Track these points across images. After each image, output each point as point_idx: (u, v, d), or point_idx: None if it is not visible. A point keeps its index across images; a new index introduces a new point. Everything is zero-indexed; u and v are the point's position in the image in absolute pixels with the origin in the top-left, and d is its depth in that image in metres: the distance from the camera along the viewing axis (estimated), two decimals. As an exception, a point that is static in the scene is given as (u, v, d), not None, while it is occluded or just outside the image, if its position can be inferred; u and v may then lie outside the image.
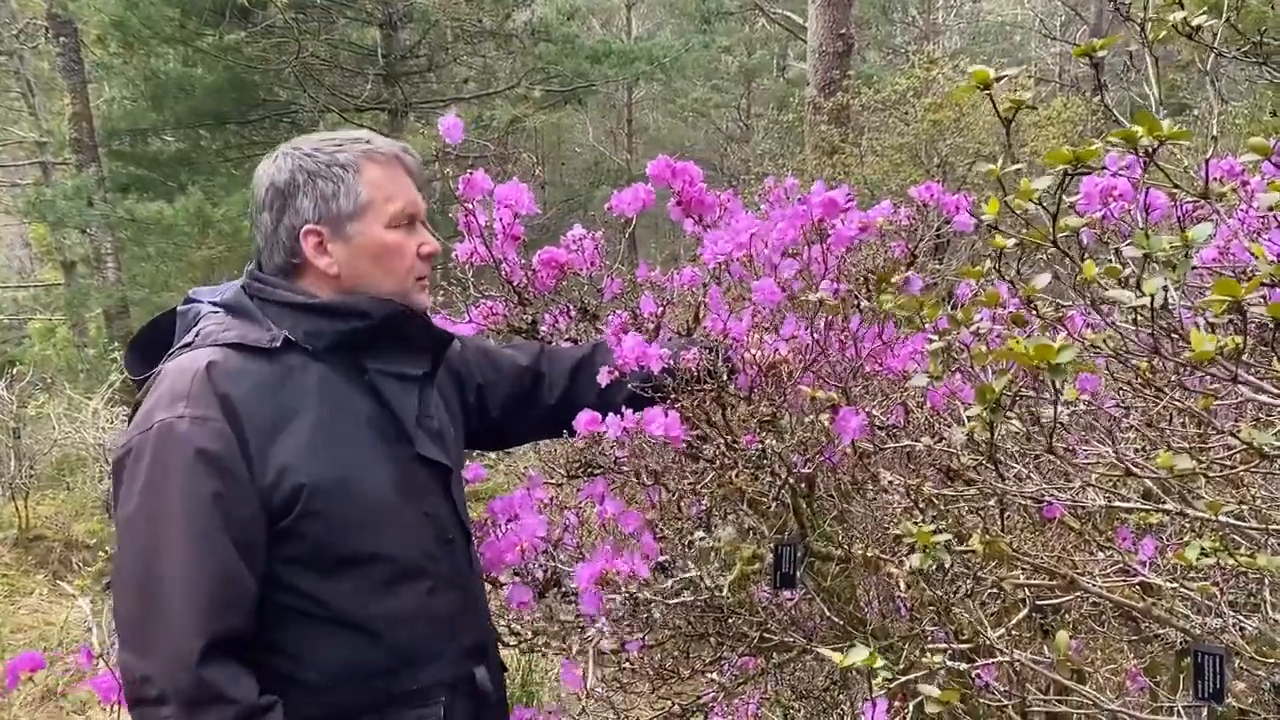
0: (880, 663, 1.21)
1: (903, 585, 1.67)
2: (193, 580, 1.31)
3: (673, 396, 1.69)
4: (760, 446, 1.70)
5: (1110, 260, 1.40)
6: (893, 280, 1.60)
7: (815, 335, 1.73)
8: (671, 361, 1.67)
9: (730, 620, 1.83)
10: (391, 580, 1.46)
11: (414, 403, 1.54)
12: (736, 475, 1.74)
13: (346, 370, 1.50)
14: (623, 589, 1.55)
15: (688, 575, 1.64)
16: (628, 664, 1.97)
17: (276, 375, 1.44)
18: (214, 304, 1.52)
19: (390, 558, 1.46)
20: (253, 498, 1.37)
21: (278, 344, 1.45)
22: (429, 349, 1.58)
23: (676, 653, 1.97)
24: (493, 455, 5.98)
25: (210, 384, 1.38)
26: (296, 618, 1.41)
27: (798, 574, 1.73)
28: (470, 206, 1.88)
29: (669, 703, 1.97)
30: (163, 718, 1.28)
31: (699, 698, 2.02)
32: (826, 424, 1.63)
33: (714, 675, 2.03)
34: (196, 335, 1.47)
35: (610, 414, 1.64)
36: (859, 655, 1.18)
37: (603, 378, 1.70)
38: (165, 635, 1.30)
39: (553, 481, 1.91)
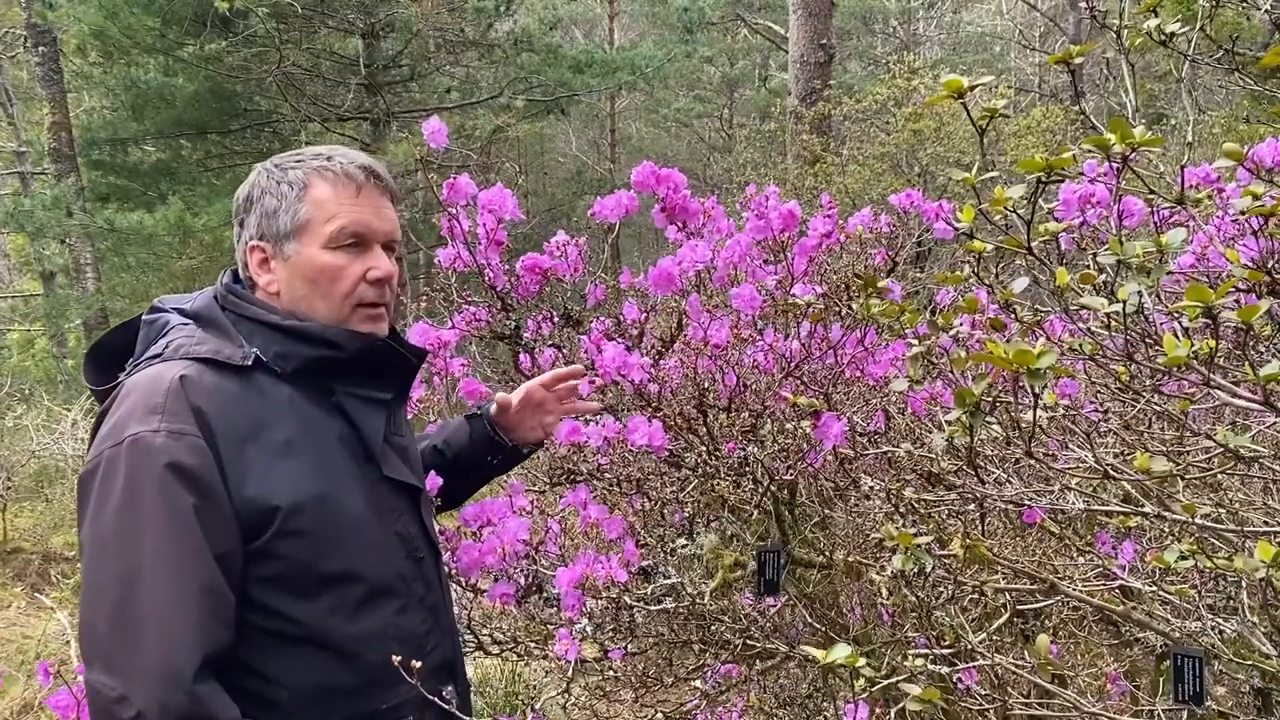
0: (862, 663, 1.22)
1: (884, 591, 1.68)
2: (180, 598, 1.29)
3: (655, 407, 1.69)
4: (742, 453, 1.70)
5: (1088, 267, 1.41)
6: (877, 285, 1.61)
7: (799, 340, 1.73)
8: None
9: (713, 628, 1.83)
10: (364, 600, 1.44)
11: (380, 424, 1.51)
12: (719, 483, 1.74)
13: (315, 392, 1.48)
14: (603, 594, 1.54)
15: (669, 581, 1.64)
16: (611, 672, 1.96)
17: (249, 393, 1.41)
18: (184, 313, 1.50)
19: (363, 578, 1.44)
20: (229, 512, 1.34)
21: (249, 362, 1.43)
22: (400, 377, 1.57)
23: (660, 660, 1.97)
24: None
25: (185, 398, 1.35)
26: (268, 637, 1.39)
27: (780, 580, 1.73)
28: (454, 211, 1.87)
29: (652, 710, 1.97)
30: None
31: (682, 705, 2.01)
32: (808, 430, 1.64)
33: (697, 683, 2.02)
34: (166, 347, 1.44)
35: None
36: (841, 653, 1.18)
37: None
38: (152, 654, 1.27)
39: (534, 489, 1.90)
